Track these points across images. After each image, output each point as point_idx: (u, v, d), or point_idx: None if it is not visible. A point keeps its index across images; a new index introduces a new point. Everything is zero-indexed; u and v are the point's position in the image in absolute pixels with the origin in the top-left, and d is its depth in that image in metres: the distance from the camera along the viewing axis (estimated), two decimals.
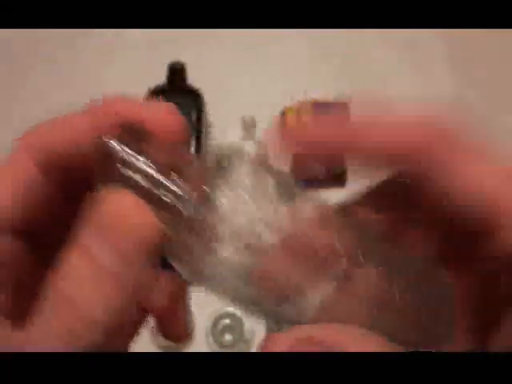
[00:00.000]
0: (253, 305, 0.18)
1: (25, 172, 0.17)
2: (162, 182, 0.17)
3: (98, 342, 0.16)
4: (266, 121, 0.73)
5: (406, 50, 0.79)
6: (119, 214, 0.16)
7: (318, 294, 0.17)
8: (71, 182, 0.18)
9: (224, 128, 0.73)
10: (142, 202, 0.16)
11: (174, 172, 0.17)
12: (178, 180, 0.17)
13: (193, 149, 0.63)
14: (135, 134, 0.17)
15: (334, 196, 0.73)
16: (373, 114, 0.15)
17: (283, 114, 0.73)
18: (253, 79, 0.76)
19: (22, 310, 0.16)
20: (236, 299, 0.19)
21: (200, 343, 0.62)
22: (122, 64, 0.77)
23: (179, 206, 0.17)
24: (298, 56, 0.78)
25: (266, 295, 0.17)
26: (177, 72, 0.66)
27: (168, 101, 0.63)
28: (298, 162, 0.19)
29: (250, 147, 0.69)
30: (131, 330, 0.22)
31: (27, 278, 0.18)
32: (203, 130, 0.65)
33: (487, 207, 0.15)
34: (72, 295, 0.16)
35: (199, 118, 0.64)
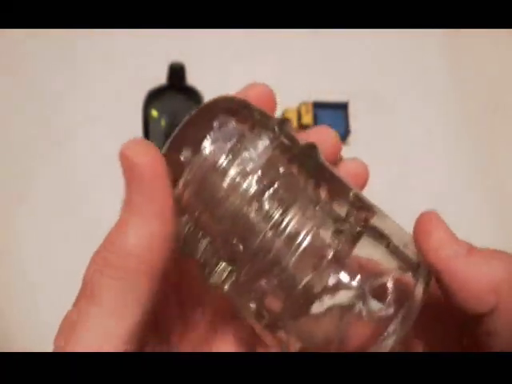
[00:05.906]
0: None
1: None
2: None
3: None
4: None
5: (406, 50, 0.79)
6: None
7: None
8: None
9: None
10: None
11: None
12: None
13: None
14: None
15: None
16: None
17: (283, 114, 0.73)
18: (252, 79, 0.76)
19: None
20: None
21: None
22: (122, 64, 0.77)
23: None
24: (298, 56, 0.78)
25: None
26: (177, 72, 0.66)
27: (168, 101, 0.64)
28: None
29: None
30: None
31: None
32: None
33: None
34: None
35: None
